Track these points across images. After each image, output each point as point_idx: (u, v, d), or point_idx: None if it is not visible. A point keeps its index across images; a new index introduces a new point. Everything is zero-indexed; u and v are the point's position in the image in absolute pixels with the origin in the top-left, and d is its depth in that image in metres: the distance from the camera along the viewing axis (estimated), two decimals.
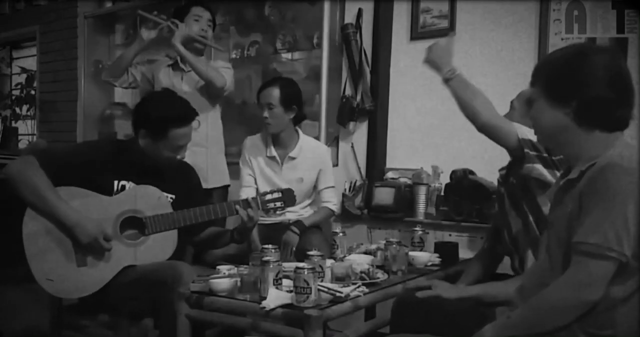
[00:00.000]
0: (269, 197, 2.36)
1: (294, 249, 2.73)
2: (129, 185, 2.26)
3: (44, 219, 2.11)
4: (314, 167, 2.96)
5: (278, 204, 2.36)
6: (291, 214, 2.96)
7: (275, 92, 2.84)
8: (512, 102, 2.22)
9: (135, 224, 2.20)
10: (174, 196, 2.35)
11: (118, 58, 3.28)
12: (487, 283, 1.77)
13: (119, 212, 2.18)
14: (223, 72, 3.07)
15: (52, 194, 2.10)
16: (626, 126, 1.45)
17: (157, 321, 2.09)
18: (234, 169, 3.14)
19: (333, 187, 3.02)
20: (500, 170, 2.25)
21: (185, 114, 2.27)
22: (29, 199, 2.11)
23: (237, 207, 2.30)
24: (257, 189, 2.91)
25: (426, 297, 1.69)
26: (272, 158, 2.95)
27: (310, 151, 2.97)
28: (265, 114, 2.85)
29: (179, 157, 2.29)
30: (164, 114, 2.23)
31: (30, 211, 2.12)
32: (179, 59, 3.14)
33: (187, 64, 3.04)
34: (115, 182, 2.24)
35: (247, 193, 2.79)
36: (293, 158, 2.94)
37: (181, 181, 2.42)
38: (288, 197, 2.38)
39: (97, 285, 2.12)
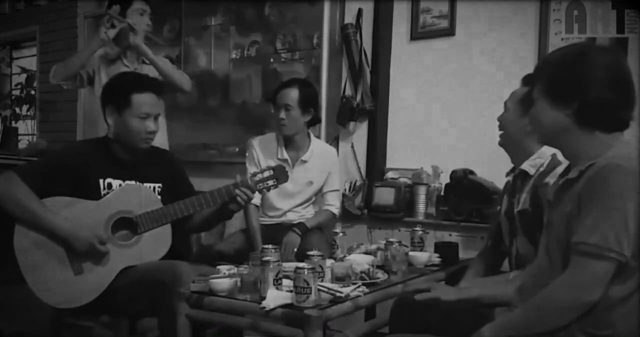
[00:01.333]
0: (260, 176, 2.30)
1: (296, 250, 2.72)
2: (115, 182, 2.23)
3: (34, 233, 2.09)
4: (323, 171, 2.95)
5: (270, 182, 2.31)
6: (292, 214, 2.96)
7: (293, 93, 2.81)
8: (505, 103, 2.19)
9: (127, 224, 2.18)
10: (161, 184, 2.33)
11: (71, 59, 3.09)
12: (486, 284, 1.77)
13: (108, 214, 2.16)
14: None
15: (39, 207, 2.09)
16: (627, 127, 1.45)
17: (158, 321, 2.09)
18: (235, 169, 3.13)
19: (337, 190, 3.02)
20: (507, 175, 2.23)
21: (145, 80, 2.32)
22: (17, 215, 2.09)
23: (237, 191, 2.23)
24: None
25: (425, 299, 1.69)
26: (284, 161, 2.90)
27: (321, 155, 2.96)
28: (282, 115, 2.81)
29: (149, 129, 2.23)
30: (124, 81, 2.30)
31: (20, 227, 2.10)
32: (122, 55, 3.05)
33: (151, 63, 2.94)
34: (101, 181, 2.21)
35: None
36: (304, 161, 2.91)
37: (164, 167, 2.39)
38: (280, 174, 2.31)
39: (97, 291, 2.10)
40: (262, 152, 2.94)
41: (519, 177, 2.11)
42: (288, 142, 2.92)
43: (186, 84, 2.99)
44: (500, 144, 2.18)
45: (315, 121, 2.97)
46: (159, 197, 2.29)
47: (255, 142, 2.98)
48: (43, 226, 2.08)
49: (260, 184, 2.29)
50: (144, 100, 2.21)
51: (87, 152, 2.26)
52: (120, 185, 2.23)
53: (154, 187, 2.31)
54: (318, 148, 2.97)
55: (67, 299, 2.11)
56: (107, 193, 2.21)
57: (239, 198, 2.23)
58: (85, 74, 3.09)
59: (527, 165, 2.06)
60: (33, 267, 2.09)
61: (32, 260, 2.10)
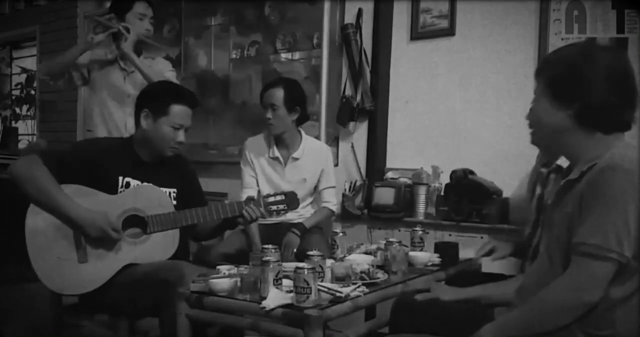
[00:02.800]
0: (271, 199, 2.36)
1: (295, 250, 2.73)
2: (133, 182, 2.26)
3: (47, 216, 2.12)
4: (316, 168, 2.95)
5: (281, 206, 2.37)
6: (292, 214, 2.95)
7: (279, 93, 2.83)
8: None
9: (137, 223, 2.21)
10: (176, 190, 2.37)
11: (59, 57, 3.12)
12: (485, 284, 1.77)
13: (121, 210, 2.19)
14: (169, 76, 3.04)
15: (57, 190, 2.12)
16: (628, 128, 1.44)
17: (159, 320, 2.09)
18: (235, 169, 3.14)
19: (334, 187, 3.02)
20: (542, 166, 2.22)
21: (186, 93, 2.37)
22: (34, 195, 2.12)
23: (248, 209, 2.29)
24: (258, 191, 2.90)
25: (425, 300, 1.69)
26: (275, 159, 2.94)
27: (313, 152, 2.97)
28: (269, 114, 2.84)
29: (179, 140, 2.28)
30: (166, 89, 2.37)
31: (33, 208, 2.14)
32: (118, 57, 3.07)
33: (138, 71, 2.96)
34: (120, 178, 2.25)
35: (248, 194, 2.78)
36: (296, 159, 2.93)
37: (181, 174, 2.43)
38: (291, 200, 2.37)
39: (98, 282, 2.12)
40: (254, 153, 2.97)
41: (553, 171, 2.12)
42: (279, 140, 2.94)
43: None
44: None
45: (303, 119, 2.98)
46: (174, 202, 2.32)
47: (248, 143, 3.02)
48: (58, 209, 2.11)
49: (271, 207, 2.35)
50: (180, 112, 2.28)
51: (111, 149, 2.30)
52: (137, 185, 2.27)
53: (170, 193, 2.34)
54: (310, 145, 2.98)
55: (68, 286, 2.13)
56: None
57: (247, 215, 2.29)
58: (79, 75, 3.10)
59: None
60: (40, 250, 2.12)
61: (40, 243, 2.12)
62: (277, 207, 2.36)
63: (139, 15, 3.02)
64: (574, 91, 1.41)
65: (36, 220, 2.13)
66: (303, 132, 3.00)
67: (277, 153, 2.93)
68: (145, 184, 2.27)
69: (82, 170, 2.19)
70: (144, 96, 2.36)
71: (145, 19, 3.04)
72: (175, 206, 2.30)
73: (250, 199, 2.34)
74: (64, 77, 3.11)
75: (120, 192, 2.23)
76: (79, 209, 2.12)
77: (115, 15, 3.01)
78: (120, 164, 2.27)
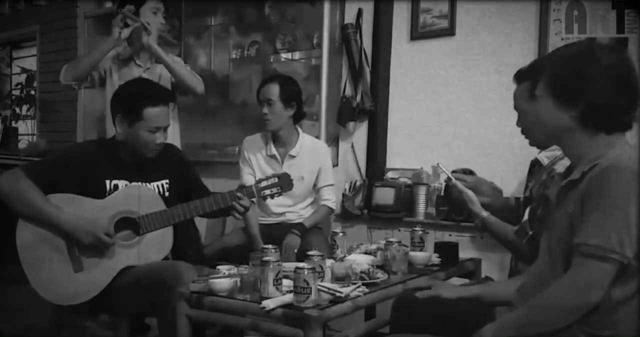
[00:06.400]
0: (264, 184, 2.32)
1: (296, 251, 2.73)
2: (121, 183, 2.24)
3: (37, 229, 2.11)
4: (314, 166, 2.96)
5: (275, 189, 2.32)
6: (291, 214, 2.97)
7: (274, 89, 2.86)
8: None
9: (130, 225, 2.19)
10: (167, 181, 2.34)
11: (82, 59, 3.02)
12: (487, 283, 1.77)
13: (111, 214, 2.17)
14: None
15: (44, 202, 2.10)
16: (630, 128, 1.44)
17: (157, 321, 2.09)
18: (235, 169, 3.14)
19: (332, 185, 3.03)
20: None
21: (158, 92, 2.29)
22: (22, 210, 2.11)
23: (239, 194, 2.26)
24: None
25: (426, 297, 1.69)
26: (272, 156, 2.95)
27: (310, 150, 2.97)
28: (265, 110, 2.86)
29: (158, 141, 2.24)
30: (137, 93, 2.25)
31: (22, 223, 2.12)
32: (134, 55, 3.00)
33: (166, 67, 2.90)
34: (107, 182, 2.22)
35: None
36: (293, 156, 2.94)
37: (171, 163, 2.40)
38: (284, 182, 2.34)
39: (96, 289, 2.11)
40: (251, 151, 2.99)
41: (536, 164, 2.12)
42: (276, 138, 2.95)
43: (199, 86, 2.94)
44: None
45: (300, 116, 2.98)
46: (166, 194, 2.31)
47: (245, 141, 3.04)
48: (48, 221, 2.09)
49: (264, 191, 2.32)
50: (156, 114, 2.22)
51: (94, 153, 2.27)
52: (125, 186, 2.24)
53: (162, 185, 2.32)
54: (307, 143, 2.99)
55: (66, 296, 2.12)
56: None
57: (238, 208, 2.27)
58: (97, 74, 3.02)
59: (542, 156, 2.08)
60: (34, 263, 2.11)
61: (33, 256, 2.11)
62: (271, 191, 2.32)
63: (153, 9, 2.94)
64: (578, 92, 1.40)
65: (27, 234, 2.11)
66: (300, 130, 3.01)
67: (274, 151, 2.94)
68: (133, 184, 2.25)
69: (68, 178, 2.17)
70: (116, 101, 2.29)
71: (159, 13, 2.97)
72: (167, 197, 2.28)
73: (241, 187, 2.31)
74: (87, 79, 3.00)
75: (109, 195, 2.21)
76: (69, 217, 2.10)
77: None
78: (105, 168, 2.24)
